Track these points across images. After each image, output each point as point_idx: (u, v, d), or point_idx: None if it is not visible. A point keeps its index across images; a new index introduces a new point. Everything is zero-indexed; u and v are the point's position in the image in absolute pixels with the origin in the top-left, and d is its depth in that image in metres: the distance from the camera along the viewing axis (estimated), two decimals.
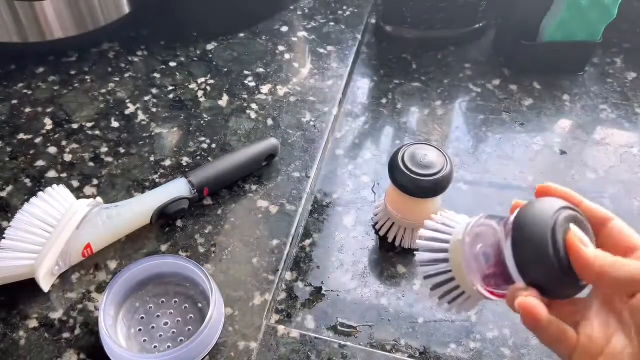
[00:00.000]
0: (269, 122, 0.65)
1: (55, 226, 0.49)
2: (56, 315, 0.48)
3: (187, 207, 0.54)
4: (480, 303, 0.36)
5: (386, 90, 0.71)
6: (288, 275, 0.52)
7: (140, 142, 0.62)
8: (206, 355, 0.45)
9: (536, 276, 0.29)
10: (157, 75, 0.70)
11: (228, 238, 0.53)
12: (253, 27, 0.77)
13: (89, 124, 0.64)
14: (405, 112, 0.68)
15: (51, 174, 0.58)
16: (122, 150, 0.61)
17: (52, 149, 0.61)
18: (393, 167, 0.50)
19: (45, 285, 0.48)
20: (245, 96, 0.68)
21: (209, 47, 0.74)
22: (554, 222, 0.29)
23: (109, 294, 0.45)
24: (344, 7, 0.81)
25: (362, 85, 0.72)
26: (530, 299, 0.29)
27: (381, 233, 0.55)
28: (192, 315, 0.47)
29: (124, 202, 0.53)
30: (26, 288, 0.48)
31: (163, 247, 0.53)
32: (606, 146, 0.65)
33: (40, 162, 0.59)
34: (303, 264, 0.53)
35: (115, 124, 0.64)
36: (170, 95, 0.68)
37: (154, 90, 0.68)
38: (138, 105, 0.66)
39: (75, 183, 0.58)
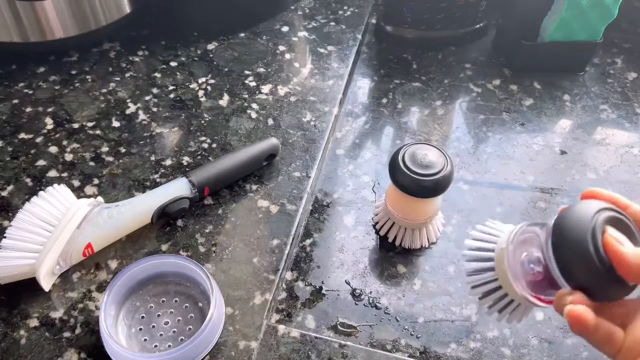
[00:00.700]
0: (270, 122, 0.65)
1: (56, 226, 0.49)
2: (57, 314, 0.48)
3: (187, 207, 0.54)
4: (530, 311, 0.36)
5: (387, 91, 0.71)
6: (289, 275, 0.52)
7: (141, 142, 0.62)
8: (207, 355, 0.45)
9: (580, 278, 0.29)
10: (158, 75, 0.70)
11: (229, 238, 0.53)
12: (254, 27, 0.78)
13: (90, 124, 0.64)
14: (406, 112, 0.68)
15: (52, 173, 0.58)
16: (123, 150, 0.61)
17: (53, 149, 0.61)
18: (393, 167, 0.50)
19: (46, 284, 0.48)
20: (246, 96, 0.68)
21: (210, 47, 0.74)
22: (594, 223, 0.29)
23: (109, 294, 0.45)
24: (345, 8, 0.81)
25: (363, 85, 0.72)
26: (578, 307, 0.29)
27: (381, 233, 0.55)
28: (192, 314, 0.47)
29: (125, 202, 0.53)
30: (27, 287, 0.48)
31: (164, 247, 0.53)
32: (607, 146, 0.65)
33: (41, 162, 0.59)
34: (304, 263, 0.53)
35: (116, 123, 0.64)
36: (171, 95, 0.68)
37: (155, 90, 0.68)
38: (139, 105, 0.66)
39: (76, 183, 0.58)
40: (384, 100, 0.70)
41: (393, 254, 0.54)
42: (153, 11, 0.75)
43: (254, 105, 0.66)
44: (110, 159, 0.60)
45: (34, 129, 0.63)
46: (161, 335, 0.46)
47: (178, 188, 0.54)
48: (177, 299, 0.48)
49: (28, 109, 0.65)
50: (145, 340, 0.46)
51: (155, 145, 0.62)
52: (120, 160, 0.60)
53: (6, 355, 0.45)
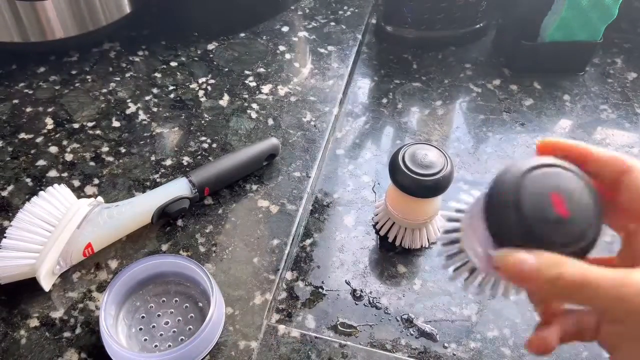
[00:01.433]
0: (270, 122, 0.65)
1: (57, 226, 0.49)
2: (57, 314, 0.48)
3: (188, 207, 0.54)
4: (504, 283, 0.33)
5: (387, 91, 0.71)
6: (289, 275, 0.52)
7: (142, 142, 0.62)
8: (207, 355, 0.45)
9: (505, 238, 0.28)
10: (158, 75, 0.70)
11: (229, 238, 0.53)
12: (254, 27, 0.78)
13: (90, 124, 0.64)
14: (406, 112, 0.68)
15: (52, 173, 0.58)
16: (123, 150, 0.61)
17: (53, 149, 0.61)
18: (394, 167, 0.50)
19: (46, 284, 0.48)
20: (246, 96, 0.68)
21: (210, 47, 0.74)
22: (519, 184, 0.27)
23: (109, 294, 0.45)
24: (345, 8, 0.81)
25: (363, 86, 0.72)
26: (508, 256, 0.27)
27: (382, 233, 0.55)
28: (192, 314, 0.47)
29: (125, 202, 0.53)
30: (27, 287, 0.48)
31: (164, 247, 0.53)
32: (607, 146, 0.65)
33: (41, 162, 0.59)
34: (304, 263, 0.53)
35: (116, 123, 0.64)
36: (172, 95, 0.68)
37: (155, 90, 0.68)
38: (139, 105, 0.66)
39: (76, 183, 0.58)
40: (384, 100, 0.70)
41: (393, 254, 0.54)
42: (153, 11, 0.75)
43: (254, 105, 0.67)
44: (110, 159, 0.60)
45: (34, 129, 0.63)
46: (161, 335, 0.46)
47: (178, 188, 0.54)
48: (177, 298, 0.48)
49: (28, 109, 0.65)
50: (145, 340, 0.46)
51: (155, 145, 0.62)
52: (121, 160, 0.60)
53: (6, 355, 0.45)
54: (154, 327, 0.46)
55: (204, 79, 0.70)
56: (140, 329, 0.46)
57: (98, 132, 0.63)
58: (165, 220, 0.54)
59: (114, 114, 0.65)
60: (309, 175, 0.59)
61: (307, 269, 0.53)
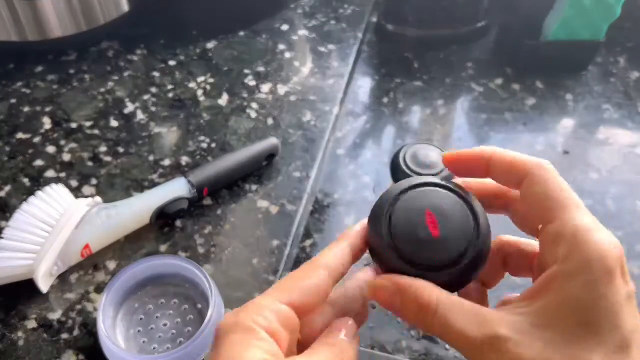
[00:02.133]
0: (270, 121, 0.64)
1: (54, 226, 0.48)
2: (55, 316, 0.47)
3: (186, 207, 0.53)
4: None
5: (388, 90, 0.71)
6: None
7: (140, 142, 0.61)
8: (205, 357, 0.44)
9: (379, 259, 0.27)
10: (156, 74, 0.70)
11: (228, 238, 0.53)
12: (253, 25, 0.77)
13: (87, 123, 0.63)
14: (407, 111, 0.68)
15: (50, 173, 0.58)
16: (121, 149, 0.61)
17: (50, 149, 0.60)
18: (394, 167, 0.50)
19: (43, 285, 0.48)
20: (246, 95, 0.67)
21: (209, 45, 0.74)
22: (392, 205, 0.27)
23: (108, 295, 0.45)
24: (345, 6, 0.81)
25: (364, 85, 0.72)
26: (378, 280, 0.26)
27: None
28: (191, 316, 0.47)
29: (123, 202, 0.52)
30: (25, 289, 0.48)
31: (162, 248, 0.52)
32: (609, 146, 0.65)
33: (38, 162, 0.59)
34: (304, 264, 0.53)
35: (114, 123, 0.64)
36: (170, 95, 0.67)
37: (153, 90, 0.68)
38: (137, 104, 0.66)
39: (74, 183, 0.57)
40: (385, 100, 0.69)
41: None
42: (152, 10, 0.75)
43: (254, 105, 0.66)
44: (108, 158, 0.60)
45: (31, 128, 0.62)
46: (160, 336, 0.46)
47: (177, 188, 0.53)
48: (175, 300, 0.48)
49: (25, 109, 0.65)
50: (143, 341, 0.45)
51: (153, 145, 0.61)
52: (119, 160, 0.60)
53: (4, 357, 0.45)
54: (152, 328, 0.46)
55: (202, 78, 0.69)
56: (139, 330, 0.46)
57: (96, 131, 0.62)
58: (164, 220, 0.54)
59: (112, 114, 0.64)
60: (309, 175, 0.59)
61: None
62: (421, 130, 0.66)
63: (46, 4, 0.63)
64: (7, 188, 0.56)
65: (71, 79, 0.68)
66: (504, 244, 0.31)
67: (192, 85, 0.68)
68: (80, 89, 0.67)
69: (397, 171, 0.49)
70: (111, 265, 0.51)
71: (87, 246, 0.50)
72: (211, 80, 0.69)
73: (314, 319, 0.27)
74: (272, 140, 0.58)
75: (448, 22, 0.75)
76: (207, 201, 0.56)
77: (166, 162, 0.59)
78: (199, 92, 0.68)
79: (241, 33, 0.76)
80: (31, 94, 0.66)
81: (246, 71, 0.70)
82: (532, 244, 0.30)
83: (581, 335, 0.22)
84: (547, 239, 0.25)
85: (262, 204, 0.56)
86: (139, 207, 0.52)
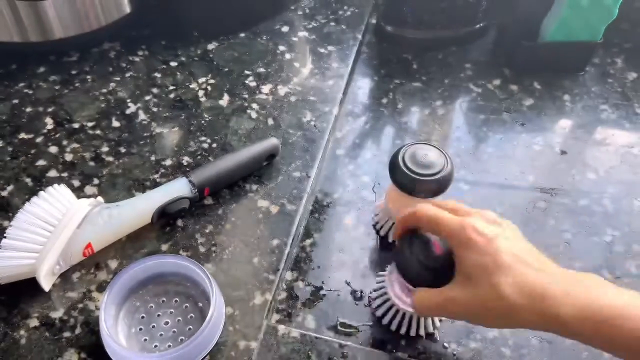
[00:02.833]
0: (270, 122, 0.65)
1: (56, 226, 0.49)
2: (57, 314, 0.48)
3: (188, 207, 0.54)
4: (417, 321, 0.47)
5: (387, 90, 0.71)
6: (289, 275, 0.52)
7: (141, 142, 0.62)
8: (207, 355, 0.45)
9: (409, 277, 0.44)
10: (158, 75, 0.70)
11: (229, 238, 0.53)
12: (254, 27, 0.77)
13: (90, 124, 0.64)
14: (406, 112, 0.68)
15: (52, 173, 0.58)
16: (123, 150, 0.61)
17: (53, 149, 0.61)
18: (394, 167, 0.50)
19: (46, 284, 0.48)
20: (246, 96, 0.68)
21: (210, 47, 0.74)
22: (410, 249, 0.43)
23: (109, 294, 0.45)
24: (345, 7, 0.81)
25: (363, 85, 0.72)
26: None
27: (382, 233, 0.55)
28: (192, 314, 0.47)
29: (125, 202, 0.53)
30: (27, 287, 0.48)
31: (164, 247, 0.53)
32: (607, 146, 0.65)
33: (41, 162, 0.59)
34: (304, 263, 0.53)
35: (116, 123, 0.64)
36: (171, 95, 0.68)
37: (155, 90, 0.68)
38: (139, 105, 0.66)
39: (76, 183, 0.58)
40: (384, 100, 0.70)
41: None
42: (153, 11, 0.75)
43: (254, 105, 0.66)
44: (110, 159, 0.60)
45: (34, 128, 0.63)
46: (161, 335, 0.46)
47: (178, 188, 0.54)
48: (177, 299, 0.48)
49: (28, 109, 0.65)
50: (145, 340, 0.46)
51: (155, 145, 0.62)
52: (120, 160, 0.60)
53: (6, 355, 0.45)
54: (153, 327, 0.46)
55: (203, 79, 0.70)
56: (140, 329, 0.46)
57: (98, 132, 0.63)
58: (165, 220, 0.54)
59: (113, 114, 0.65)
60: (309, 175, 0.59)
61: (307, 269, 0.53)
62: (420, 131, 0.66)
63: (48, 6, 0.64)
64: (10, 188, 0.57)
65: (73, 80, 0.69)
66: None
67: (193, 86, 0.69)
68: (82, 89, 0.68)
69: (396, 171, 0.50)
70: (113, 264, 0.51)
71: (89, 245, 0.50)
72: (212, 81, 0.70)
73: None
74: (272, 141, 0.59)
75: (447, 24, 0.75)
76: (208, 201, 0.56)
77: (168, 162, 0.60)
78: (200, 92, 0.68)
79: (242, 34, 0.76)
80: (33, 95, 0.67)
81: (247, 72, 0.71)
82: None
83: (465, 280, 0.40)
84: None
85: (263, 203, 0.56)
86: (140, 207, 0.52)
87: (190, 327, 0.46)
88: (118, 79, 0.69)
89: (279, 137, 0.62)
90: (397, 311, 0.47)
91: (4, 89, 0.67)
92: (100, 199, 0.54)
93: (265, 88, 0.69)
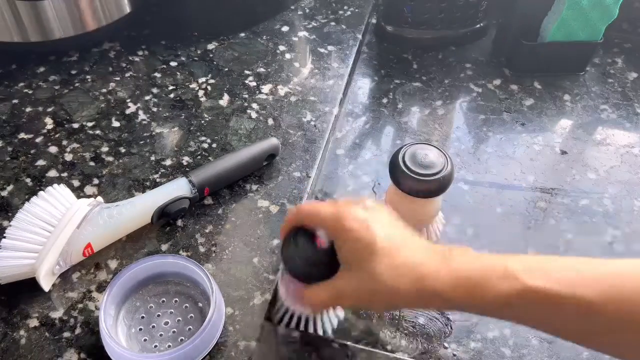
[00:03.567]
0: (270, 122, 0.65)
1: (56, 226, 0.49)
2: (57, 314, 0.48)
3: (187, 207, 0.54)
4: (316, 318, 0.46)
5: (387, 90, 0.71)
6: None
7: (141, 142, 0.62)
8: (207, 355, 0.45)
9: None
10: (158, 75, 0.70)
11: (229, 238, 0.53)
12: (254, 27, 0.77)
13: (89, 124, 0.64)
14: (406, 112, 0.68)
15: (52, 173, 0.58)
16: (123, 150, 0.61)
17: (53, 149, 0.61)
18: (394, 167, 0.50)
19: (46, 284, 0.48)
20: (246, 96, 0.68)
21: (210, 47, 0.74)
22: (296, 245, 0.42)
23: (109, 294, 0.45)
24: (345, 7, 0.81)
25: (363, 85, 0.72)
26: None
27: None
28: (192, 315, 0.47)
29: (125, 202, 0.53)
30: (27, 287, 0.48)
31: (164, 247, 0.53)
32: (607, 146, 0.65)
33: (41, 162, 0.59)
34: None
35: (116, 123, 0.64)
36: (171, 95, 0.68)
37: (154, 90, 0.68)
38: (139, 105, 0.66)
39: (76, 183, 0.58)
40: (384, 100, 0.70)
41: None
42: (153, 11, 0.75)
43: (254, 105, 0.66)
44: (110, 159, 0.60)
45: (33, 128, 0.63)
46: (161, 335, 0.46)
47: (178, 188, 0.54)
48: (177, 299, 0.48)
49: (28, 109, 0.65)
50: (145, 340, 0.46)
51: (155, 145, 0.62)
52: (120, 160, 0.60)
53: (6, 355, 0.45)
54: (153, 327, 0.46)
55: (203, 79, 0.70)
56: (140, 329, 0.46)
57: (98, 132, 0.63)
58: (165, 220, 0.54)
59: (113, 114, 0.65)
60: (309, 175, 0.59)
61: None
62: (420, 131, 0.66)
63: (48, 6, 0.63)
64: (10, 188, 0.57)
65: (73, 80, 0.69)
66: None
67: (193, 86, 0.69)
68: (82, 89, 0.68)
69: (396, 171, 0.50)
70: (113, 264, 0.51)
71: (89, 245, 0.50)
72: (212, 81, 0.70)
73: None
74: (272, 141, 0.59)
75: (447, 24, 0.75)
76: (208, 201, 0.56)
77: (167, 162, 0.60)
78: (200, 92, 0.68)
79: (242, 34, 0.76)
80: (33, 95, 0.67)
81: (247, 72, 0.71)
82: None
83: (347, 269, 0.40)
84: None
85: (263, 203, 0.56)
86: (140, 207, 0.52)
87: (190, 327, 0.46)
88: (118, 79, 0.69)
89: (279, 137, 0.62)
90: (293, 313, 0.46)
91: (4, 89, 0.67)
92: (100, 199, 0.54)
93: (265, 88, 0.69)
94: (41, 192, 0.51)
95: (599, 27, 0.68)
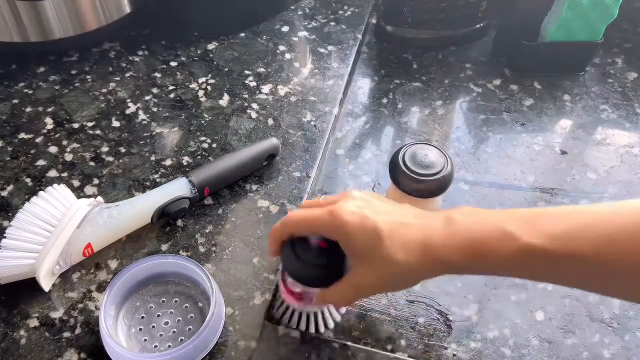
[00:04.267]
0: (270, 122, 0.65)
1: (56, 226, 0.49)
2: (57, 314, 0.48)
3: (187, 207, 0.54)
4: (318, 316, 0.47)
5: (387, 90, 0.71)
6: None
7: (141, 142, 0.62)
8: (207, 355, 0.45)
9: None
10: (158, 75, 0.70)
11: (229, 238, 0.53)
12: (254, 27, 0.77)
13: (90, 124, 0.64)
14: (406, 112, 0.68)
15: (52, 173, 0.58)
16: (123, 150, 0.61)
17: (53, 149, 0.61)
18: (394, 167, 0.50)
19: (46, 284, 0.48)
20: (246, 96, 0.68)
21: (210, 47, 0.74)
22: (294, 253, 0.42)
23: (109, 294, 0.45)
24: (345, 7, 0.81)
25: (363, 85, 0.72)
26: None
27: None
28: (192, 314, 0.47)
29: (125, 202, 0.53)
30: (27, 287, 0.48)
31: (164, 247, 0.53)
32: (607, 146, 0.65)
33: (41, 162, 0.59)
34: None
35: (116, 123, 0.64)
36: (171, 95, 0.68)
37: (154, 90, 0.68)
38: (139, 105, 0.66)
39: (76, 183, 0.58)
40: (384, 100, 0.70)
41: None
42: (153, 11, 0.75)
43: (254, 105, 0.66)
44: (110, 158, 0.60)
45: (34, 128, 0.63)
46: (161, 335, 0.46)
47: (178, 188, 0.54)
48: (177, 299, 0.48)
49: (28, 109, 0.65)
50: (145, 340, 0.46)
51: (155, 145, 0.62)
52: (120, 160, 0.60)
53: (6, 356, 0.45)
54: (153, 327, 0.46)
55: (203, 79, 0.70)
56: (140, 329, 0.46)
57: (98, 132, 0.63)
58: (165, 220, 0.54)
59: (113, 114, 0.65)
60: (309, 175, 0.59)
61: None
62: (420, 131, 0.66)
63: (48, 6, 0.63)
64: (10, 188, 0.57)
65: (73, 80, 0.69)
66: None
67: (193, 86, 0.69)
68: (82, 89, 0.68)
69: (396, 171, 0.50)
70: (113, 264, 0.51)
71: (89, 245, 0.50)
72: (212, 81, 0.70)
73: None
74: (272, 141, 0.59)
75: (447, 24, 0.75)
76: (208, 201, 0.56)
77: (167, 162, 0.60)
78: (200, 92, 0.68)
79: (242, 34, 0.76)
80: (33, 95, 0.67)
81: (247, 72, 0.71)
82: None
83: (360, 262, 0.41)
84: None
85: (263, 203, 0.56)
86: (140, 207, 0.52)
87: (190, 327, 0.46)
88: (118, 79, 0.69)
89: (279, 137, 0.62)
90: (294, 311, 0.47)
91: (4, 89, 0.67)
92: (100, 199, 0.54)
93: (265, 88, 0.69)
94: (41, 192, 0.51)
95: (598, 27, 0.68)
